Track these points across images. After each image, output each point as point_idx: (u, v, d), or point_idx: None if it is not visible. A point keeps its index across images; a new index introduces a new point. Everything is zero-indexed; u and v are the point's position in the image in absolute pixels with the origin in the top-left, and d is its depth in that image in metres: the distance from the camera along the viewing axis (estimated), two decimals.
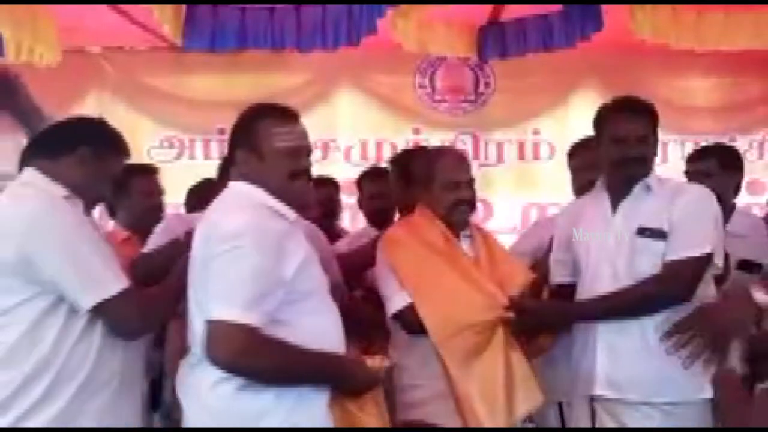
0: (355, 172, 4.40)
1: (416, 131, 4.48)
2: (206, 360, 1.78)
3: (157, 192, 2.92)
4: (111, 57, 4.49)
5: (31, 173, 1.91)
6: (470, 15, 3.80)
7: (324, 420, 1.84)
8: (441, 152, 2.40)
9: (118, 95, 4.47)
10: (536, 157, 4.66)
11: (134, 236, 2.71)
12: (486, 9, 3.77)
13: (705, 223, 2.14)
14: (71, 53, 3.82)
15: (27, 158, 1.95)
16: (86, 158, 1.92)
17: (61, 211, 1.84)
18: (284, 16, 3.46)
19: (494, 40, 3.86)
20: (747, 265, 2.53)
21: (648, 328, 2.15)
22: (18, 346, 1.81)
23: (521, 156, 4.58)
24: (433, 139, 4.47)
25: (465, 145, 4.51)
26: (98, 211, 2.63)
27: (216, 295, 1.76)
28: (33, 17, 3.22)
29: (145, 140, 4.48)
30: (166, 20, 3.35)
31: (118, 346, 1.88)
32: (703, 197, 2.20)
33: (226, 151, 4.89)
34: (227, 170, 2.48)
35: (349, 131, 4.58)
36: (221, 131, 4.50)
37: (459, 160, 2.34)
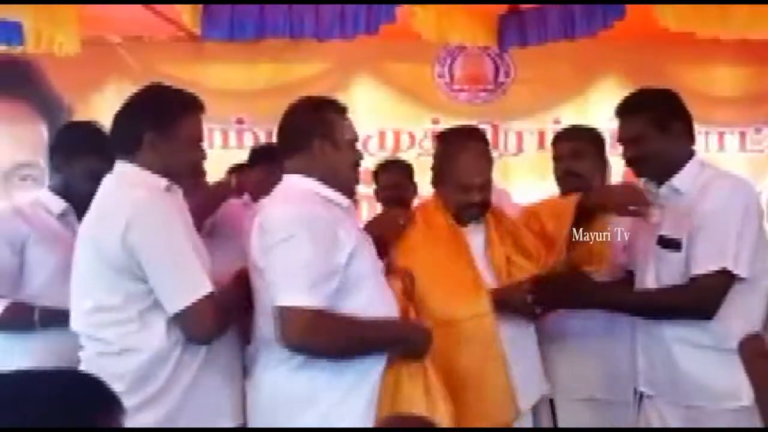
0: (373, 162, 4.41)
1: (435, 121, 4.45)
2: (271, 344, 1.85)
3: None
4: (130, 46, 4.50)
5: (124, 166, 1.90)
6: (490, 3, 3.75)
7: (370, 407, 1.88)
8: (461, 148, 2.29)
9: (137, 85, 4.44)
10: None
11: None
12: None
13: (725, 229, 2.00)
14: (91, 43, 3.83)
15: (114, 153, 1.94)
16: (155, 141, 1.88)
17: (163, 205, 1.84)
18: (303, 5, 3.45)
19: (514, 29, 3.81)
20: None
21: (672, 340, 2.12)
22: (132, 339, 1.84)
23: (541, 145, 4.53)
24: None
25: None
26: None
27: (279, 283, 1.82)
28: (53, 7, 3.24)
29: None
30: (185, 9, 3.35)
31: None
32: (728, 197, 2.04)
33: (243, 140, 4.85)
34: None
35: (368, 121, 4.56)
36: (239, 120, 4.50)
37: (476, 159, 2.27)
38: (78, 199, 2.32)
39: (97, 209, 1.91)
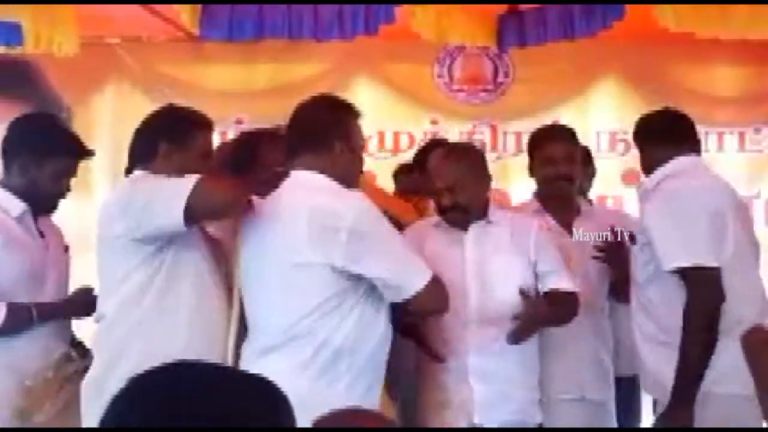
0: (372, 163, 4.41)
1: (434, 121, 4.45)
2: (291, 347, 1.91)
3: None
4: (129, 47, 4.49)
5: (139, 173, 2.07)
6: (489, 3, 3.75)
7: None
8: (430, 157, 2.53)
9: (136, 86, 4.48)
10: None
11: None
12: None
13: (672, 227, 2.19)
14: (90, 43, 3.83)
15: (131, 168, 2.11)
16: (170, 151, 2.04)
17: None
18: (302, 5, 3.45)
19: (513, 29, 3.81)
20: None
21: (641, 337, 2.31)
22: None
23: None
24: (451, 129, 4.43)
25: (483, 135, 4.47)
26: None
27: (401, 277, 1.95)
28: (52, 8, 3.23)
29: None
30: (184, 9, 3.35)
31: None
32: (664, 201, 2.23)
33: None
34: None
35: (367, 121, 4.52)
36: (239, 121, 4.49)
37: (439, 164, 2.39)
38: (42, 199, 2.27)
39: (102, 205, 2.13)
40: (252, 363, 1.95)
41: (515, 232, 2.34)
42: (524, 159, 4.62)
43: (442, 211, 2.31)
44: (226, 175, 2.03)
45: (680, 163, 2.32)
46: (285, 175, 2.08)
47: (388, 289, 1.94)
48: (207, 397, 0.74)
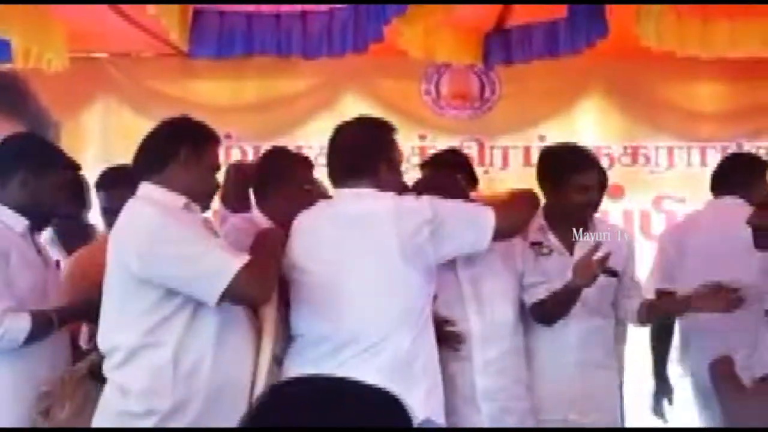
0: None
1: (422, 137, 4.48)
2: (358, 342, 1.93)
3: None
4: (118, 63, 4.51)
5: (146, 186, 1.97)
6: (476, 22, 3.81)
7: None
8: None
9: (125, 101, 4.49)
10: None
11: None
12: (492, 16, 3.78)
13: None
14: (79, 59, 3.84)
15: (137, 178, 2.00)
16: (189, 158, 1.97)
17: (175, 219, 1.89)
18: (290, 23, 3.48)
19: (499, 47, 3.86)
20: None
21: None
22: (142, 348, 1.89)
23: (527, 162, 4.58)
24: (439, 145, 4.46)
25: (470, 150, 4.51)
26: None
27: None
28: (41, 24, 3.25)
29: None
30: (173, 27, 3.37)
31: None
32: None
33: (231, 155, 4.85)
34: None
35: None
36: (227, 135, 4.50)
37: None
38: (42, 213, 2.27)
39: (118, 229, 1.98)
40: (348, 368, 1.91)
41: (501, 246, 2.35)
42: (510, 173, 4.72)
43: None
44: (264, 255, 1.92)
45: (707, 204, 2.90)
46: (311, 193, 2.11)
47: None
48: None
